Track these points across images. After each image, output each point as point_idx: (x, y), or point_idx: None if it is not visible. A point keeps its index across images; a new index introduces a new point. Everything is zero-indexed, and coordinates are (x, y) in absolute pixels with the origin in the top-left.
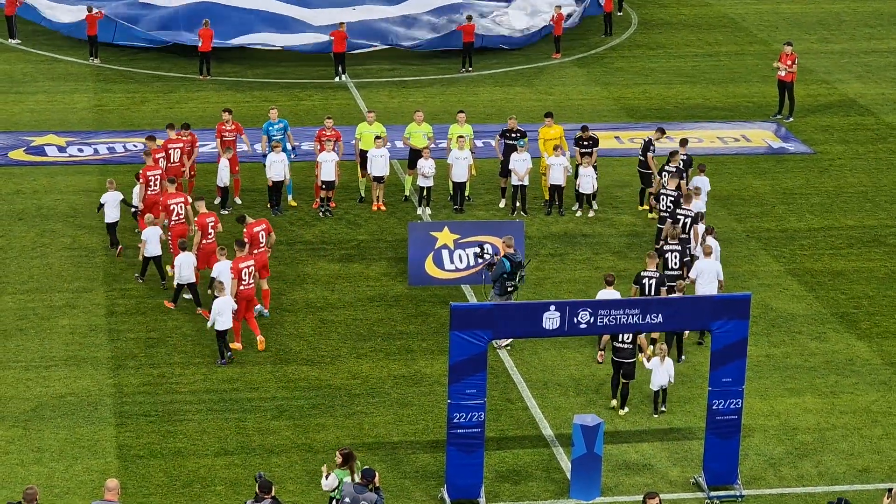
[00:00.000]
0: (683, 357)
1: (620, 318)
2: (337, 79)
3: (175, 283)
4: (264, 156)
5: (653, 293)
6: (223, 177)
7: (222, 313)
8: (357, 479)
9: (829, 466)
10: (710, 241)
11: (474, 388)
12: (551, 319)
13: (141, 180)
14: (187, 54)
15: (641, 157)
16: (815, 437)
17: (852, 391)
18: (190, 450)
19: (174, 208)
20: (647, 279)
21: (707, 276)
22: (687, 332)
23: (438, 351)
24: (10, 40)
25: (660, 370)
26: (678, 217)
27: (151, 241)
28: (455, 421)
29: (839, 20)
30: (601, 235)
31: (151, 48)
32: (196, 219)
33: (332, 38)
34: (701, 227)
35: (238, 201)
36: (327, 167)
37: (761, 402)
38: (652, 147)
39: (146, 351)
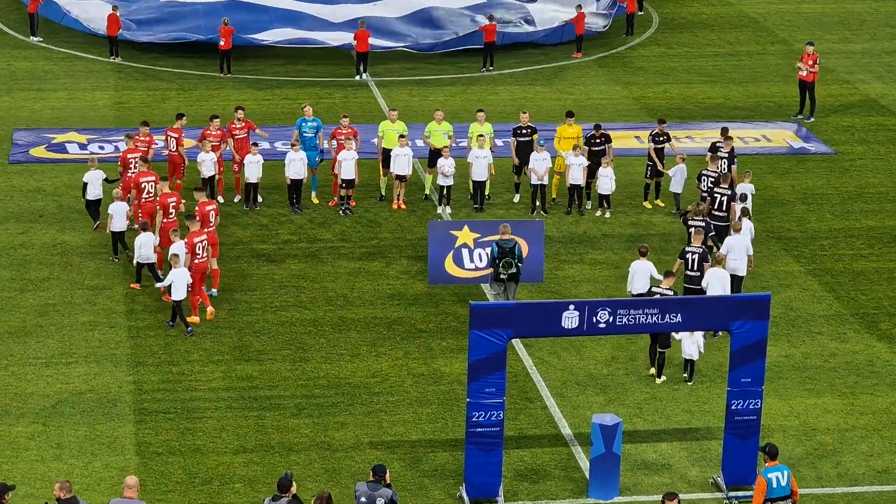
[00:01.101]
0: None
1: (640, 318)
2: (357, 77)
3: (135, 262)
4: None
5: (695, 267)
6: (248, 174)
7: (178, 284)
8: None
9: (848, 467)
10: (746, 222)
11: (493, 387)
12: (570, 319)
13: (120, 162)
14: (208, 52)
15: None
16: (835, 437)
17: (872, 392)
18: (209, 447)
19: (145, 186)
20: (690, 254)
21: (737, 252)
22: None
23: (458, 349)
24: (31, 38)
25: (688, 341)
26: (715, 195)
27: (117, 216)
28: (474, 420)
29: (861, 20)
30: (621, 235)
31: (173, 45)
32: (159, 199)
33: (355, 37)
34: (738, 206)
35: (259, 199)
36: (347, 165)
37: (780, 402)
38: (658, 138)
39: (166, 348)
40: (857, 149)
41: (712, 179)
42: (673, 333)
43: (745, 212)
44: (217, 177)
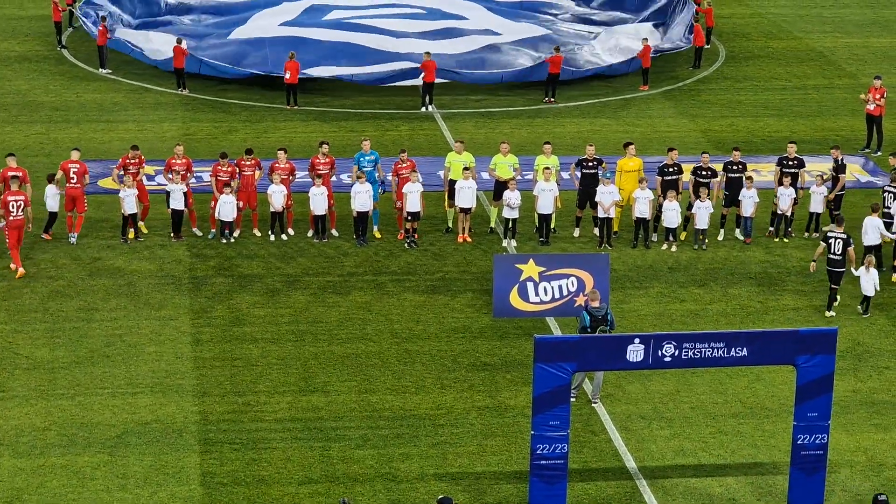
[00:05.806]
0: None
1: (705, 352)
2: (423, 109)
3: None
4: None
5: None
6: (314, 206)
7: None
8: None
9: None
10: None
11: (558, 420)
12: (636, 352)
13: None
14: (275, 84)
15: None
16: None
17: None
18: (274, 478)
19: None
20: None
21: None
22: None
23: (522, 382)
24: (100, 70)
25: (866, 277)
26: None
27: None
28: (538, 452)
29: None
30: (686, 269)
31: (239, 79)
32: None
33: (421, 67)
34: None
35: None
36: (412, 198)
37: (847, 437)
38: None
39: (231, 379)
40: None
41: None
42: (853, 271)
43: None
44: (286, 210)
